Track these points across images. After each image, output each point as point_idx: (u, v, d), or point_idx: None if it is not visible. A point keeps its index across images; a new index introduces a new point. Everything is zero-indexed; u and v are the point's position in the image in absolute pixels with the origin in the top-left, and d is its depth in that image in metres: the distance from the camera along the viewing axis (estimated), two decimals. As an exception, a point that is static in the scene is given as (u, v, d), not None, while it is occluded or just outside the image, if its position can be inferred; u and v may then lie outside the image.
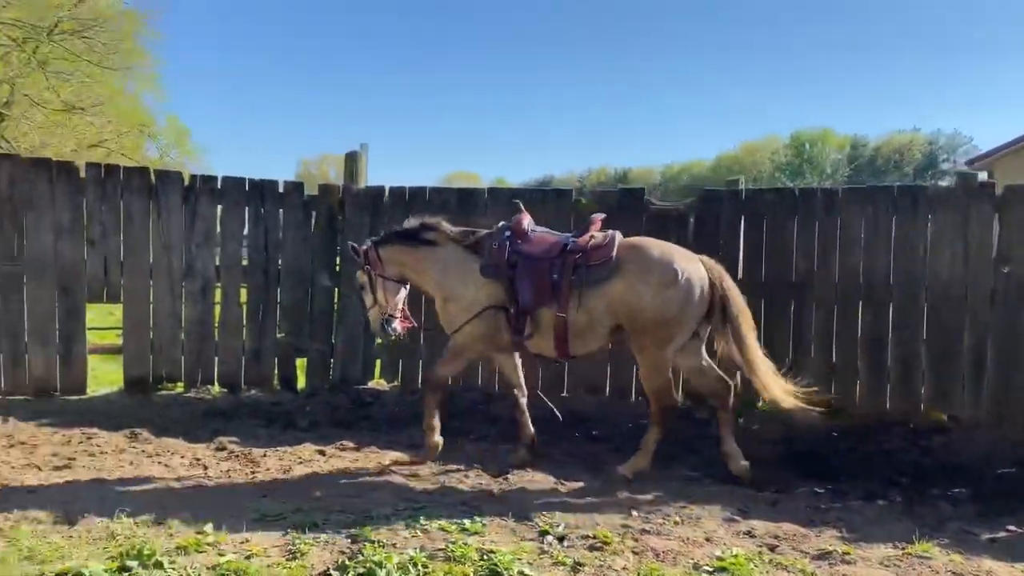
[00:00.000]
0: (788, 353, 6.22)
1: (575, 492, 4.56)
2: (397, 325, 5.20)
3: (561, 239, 4.91)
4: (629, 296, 4.64)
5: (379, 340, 6.13)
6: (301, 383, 6.94)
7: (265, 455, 5.12)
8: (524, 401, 5.26)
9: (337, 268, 6.96)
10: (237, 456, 5.11)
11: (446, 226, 5.12)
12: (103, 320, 9.29)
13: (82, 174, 6.34)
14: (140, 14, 20.57)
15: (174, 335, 6.56)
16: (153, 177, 6.55)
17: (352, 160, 7.17)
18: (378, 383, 7.04)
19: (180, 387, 6.65)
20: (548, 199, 6.74)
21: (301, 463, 5.04)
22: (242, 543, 3.57)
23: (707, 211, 6.44)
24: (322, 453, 5.27)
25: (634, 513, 4.19)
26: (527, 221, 5.00)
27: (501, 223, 5.12)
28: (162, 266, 6.50)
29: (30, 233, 6.16)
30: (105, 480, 4.53)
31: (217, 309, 6.78)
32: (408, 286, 5.29)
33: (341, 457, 5.22)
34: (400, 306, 5.24)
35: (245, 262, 6.84)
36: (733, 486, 4.80)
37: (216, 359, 6.69)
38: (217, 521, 3.81)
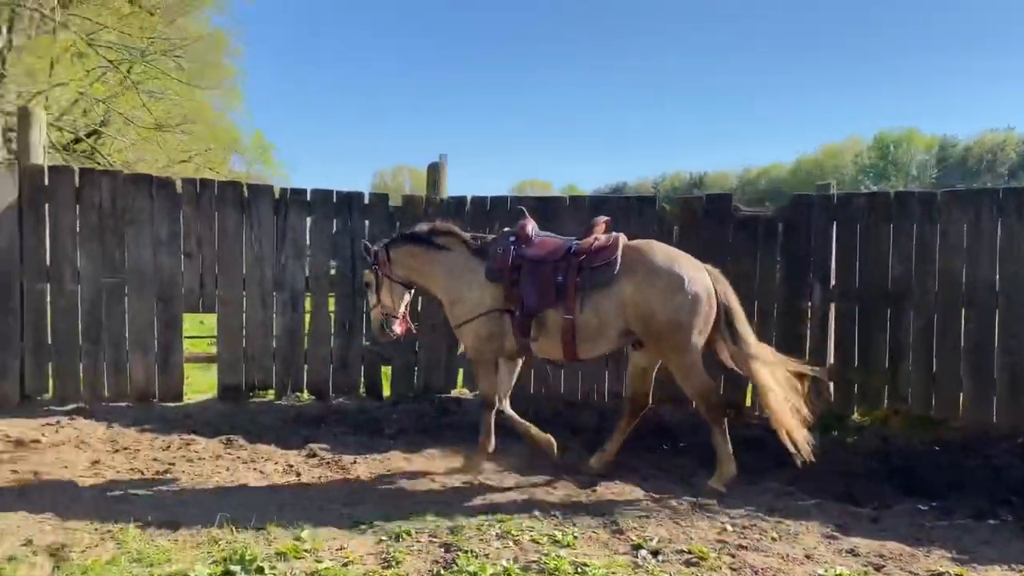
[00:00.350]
0: (885, 362, 6.01)
1: (666, 505, 4.47)
2: (397, 327, 5.29)
3: (565, 242, 4.94)
4: (639, 300, 4.67)
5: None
6: (386, 391, 7.05)
7: (355, 462, 5.20)
8: (507, 406, 5.30)
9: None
10: (328, 463, 5.21)
11: (457, 231, 5.22)
12: (194, 329, 9.64)
13: (179, 189, 6.57)
14: (225, 34, 21.45)
15: (266, 344, 6.73)
16: (246, 191, 6.75)
17: (434, 171, 7.26)
18: (461, 392, 7.09)
19: (271, 394, 6.82)
20: (632, 206, 6.68)
21: (390, 471, 5.10)
22: (338, 550, 3.62)
23: (797, 217, 6.28)
24: (409, 461, 5.33)
25: (728, 528, 4.08)
26: (531, 226, 5.06)
27: (505, 228, 5.20)
28: (254, 277, 6.68)
29: (131, 246, 6.42)
30: (204, 485, 4.67)
31: (307, 318, 6.93)
32: (413, 291, 5.40)
33: (429, 465, 5.26)
34: (403, 310, 5.33)
35: (332, 272, 6.99)
36: (829, 501, 4.65)
37: (305, 367, 6.84)
38: (313, 527, 3.89)
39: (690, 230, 6.47)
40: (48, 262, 6.27)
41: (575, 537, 3.84)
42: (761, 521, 4.22)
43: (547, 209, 6.83)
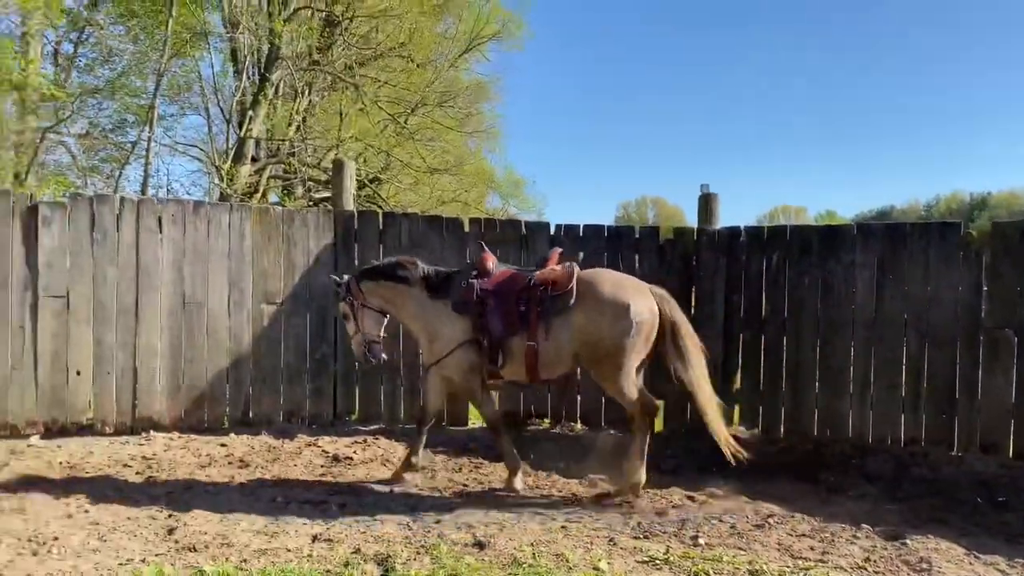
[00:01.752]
0: None
1: (995, 567, 3.99)
2: (379, 351, 5.52)
3: (524, 273, 5.25)
4: (589, 326, 5.00)
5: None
6: (658, 426, 6.99)
7: (637, 496, 5.20)
8: (504, 428, 5.54)
9: (692, 310, 6.96)
10: (610, 494, 5.26)
11: (421, 265, 5.44)
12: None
13: (466, 228, 7.08)
14: (486, 82, 22.96)
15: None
16: (524, 228, 7.11)
17: (706, 202, 7.15)
18: (736, 429, 6.84)
19: (547, 423, 7.05)
20: (930, 233, 6.12)
21: (674, 507, 5.05)
22: (638, 584, 3.62)
23: None
24: (692, 499, 5.24)
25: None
26: (491, 260, 5.33)
27: (468, 262, 5.55)
28: (532, 309, 6.98)
29: (424, 281, 6.97)
30: (496, 507, 4.90)
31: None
32: (388, 316, 5.58)
33: (711, 504, 5.14)
34: (381, 334, 5.57)
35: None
36: None
37: (579, 397, 6.99)
38: (608, 559, 3.94)
39: (1004, 258, 5.78)
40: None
41: (892, 595, 3.54)
42: (1122, 596, 3.62)
43: (833, 239, 6.47)
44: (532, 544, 4.13)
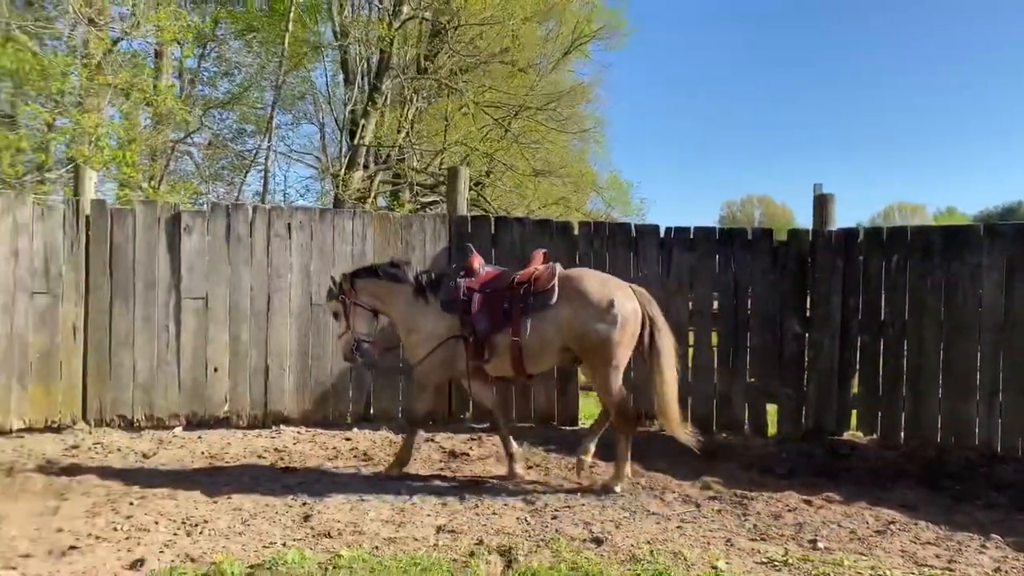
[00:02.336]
0: None
1: None
2: (368, 348, 5.64)
3: (508, 273, 5.48)
4: (574, 321, 5.20)
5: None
6: (771, 429, 6.93)
7: (752, 499, 5.19)
8: (503, 420, 5.72)
9: (807, 313, 6.86)
10: (723, 497, 5.27)
11: (413, 265, 5.72)
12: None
13: (575, 231, 7.19)
14: (588, 83, 23.03)
15: (650, 376, 6.98)
16: (634, 231, 7.16)
17: (820, 202, 7.02)
18: (854, 435, 6.72)
19: (656, 425, 7.07)
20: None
21: (790, 510, 5.00)
22: (758, 584, 3.66)
23: None
24: (808, 503, 5.17)
25: None
26: (478, 261, 5.56)
27: (454, 264, 5.77)
28: (641, 312, 7.03)
29: (534, 283, 7.13)
30: (612, 505, 4.99)
31: (690, 352, 7.07)
32: (379, 317, 5.74)
33: (830, 508, 5.07)
34: (373, 333, 5.71)
35: (715, 307, 7.09)
36: None
37: (689, 400, 6.98)
38: (725, 558, 3.99)
39: None
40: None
41: (1026, 606, 3.45)
42: None
43: (957, 239, 6.26)
44: (649, 542, 4.22)
